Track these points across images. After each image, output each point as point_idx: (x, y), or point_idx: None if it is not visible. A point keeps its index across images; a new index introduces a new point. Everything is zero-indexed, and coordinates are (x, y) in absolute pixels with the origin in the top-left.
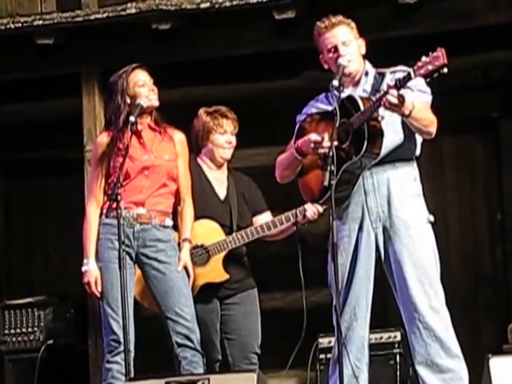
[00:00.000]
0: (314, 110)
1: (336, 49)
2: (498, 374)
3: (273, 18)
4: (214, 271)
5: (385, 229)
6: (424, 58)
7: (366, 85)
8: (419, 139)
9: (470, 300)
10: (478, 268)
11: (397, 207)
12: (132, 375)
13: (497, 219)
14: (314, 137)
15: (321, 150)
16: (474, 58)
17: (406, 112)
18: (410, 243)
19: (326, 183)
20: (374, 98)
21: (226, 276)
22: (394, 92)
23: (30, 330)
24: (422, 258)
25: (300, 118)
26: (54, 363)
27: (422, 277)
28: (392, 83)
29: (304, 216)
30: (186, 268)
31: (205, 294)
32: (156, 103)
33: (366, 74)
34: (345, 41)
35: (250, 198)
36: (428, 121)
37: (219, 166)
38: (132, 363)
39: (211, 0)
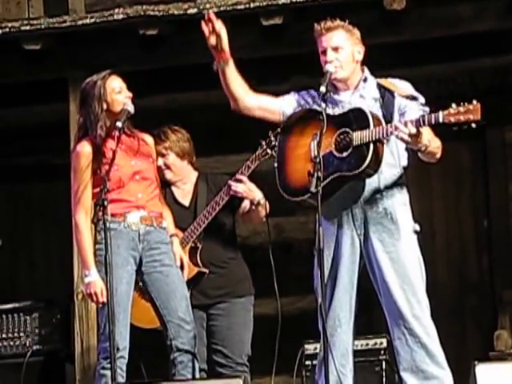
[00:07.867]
0: (303, 102)
1: (325, 53)
2: (484, 382)
3: (260, 24)
4: (188, 269)
5: (369, 235)
6: (456, 106)
7: (364, 91)
8: (407, 151)
9: (457, 307)
10: (464, 275)
11: (382, 215)
12: (122, 380)
13: (483, 226)
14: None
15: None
16: (461, 66)
17: (423, 148)
18: (394, 251)
19: (312, 189)
20: (385, 125)
21: (196, 269)
22: (412, 129)
23: (15, 335)
24: (405, 265)
25: (295, 96)
26: (40, 368)
27: (404, 285)
28: (414, 118)
29: (233, 192)
30: (181, 261)
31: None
32: (132, 110)
33: (365, 80)
34: (336, 46)
35: (216, 188)
36: (438, 149)
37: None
38: (125, 369)
39: (198, 6)
